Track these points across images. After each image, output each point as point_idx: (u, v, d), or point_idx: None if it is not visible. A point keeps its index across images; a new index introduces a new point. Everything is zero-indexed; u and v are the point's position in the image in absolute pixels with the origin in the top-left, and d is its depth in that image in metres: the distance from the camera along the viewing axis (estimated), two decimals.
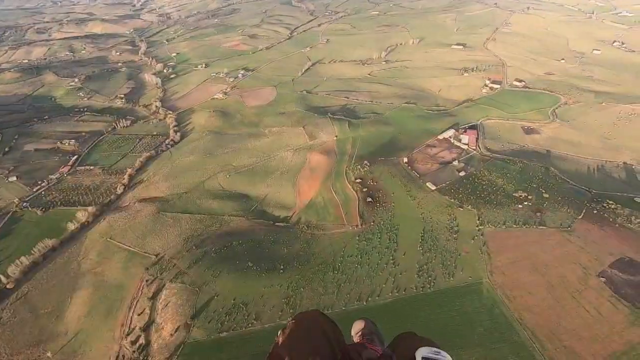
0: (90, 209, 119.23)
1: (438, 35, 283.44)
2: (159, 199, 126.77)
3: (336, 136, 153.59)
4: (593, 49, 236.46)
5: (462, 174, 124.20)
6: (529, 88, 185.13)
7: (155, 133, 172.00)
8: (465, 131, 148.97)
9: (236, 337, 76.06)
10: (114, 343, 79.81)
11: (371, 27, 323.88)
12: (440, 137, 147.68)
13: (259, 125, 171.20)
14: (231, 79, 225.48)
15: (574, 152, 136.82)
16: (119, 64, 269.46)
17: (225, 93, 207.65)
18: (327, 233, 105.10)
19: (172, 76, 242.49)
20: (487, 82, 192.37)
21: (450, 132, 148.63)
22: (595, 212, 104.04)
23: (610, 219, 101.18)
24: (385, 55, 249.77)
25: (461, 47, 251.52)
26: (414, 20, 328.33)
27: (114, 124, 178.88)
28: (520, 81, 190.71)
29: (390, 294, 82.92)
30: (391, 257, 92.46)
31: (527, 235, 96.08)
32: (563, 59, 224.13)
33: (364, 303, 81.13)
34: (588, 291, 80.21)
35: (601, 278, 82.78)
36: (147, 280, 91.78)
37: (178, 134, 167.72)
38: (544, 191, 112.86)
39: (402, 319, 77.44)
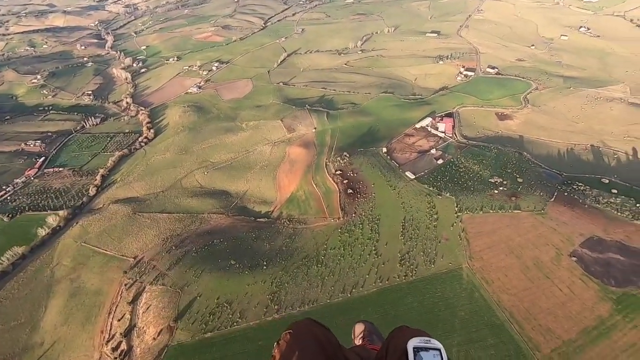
0: (61, 212, 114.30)
1: (413, 24, 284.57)
2: (135, 199, 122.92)
3: (315, 128, 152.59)
4: (561, 35, 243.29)
5: (440, 162, 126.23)
6: (502, 75, 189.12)
7: (127, 131, 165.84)
8: (441, 119, 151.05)
9: (221, 336, 75.29)
10: (94, 351, 77.50)
11: (346, 15, 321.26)
12: (418, 125, 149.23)
13: (236, 119, 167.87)
14: (205, 72, 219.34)
15: (545, 136, 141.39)
16: (85, 59, 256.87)
17: (199, 87, 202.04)
18: (309, 227, 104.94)
19: (142, 70, 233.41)
20: (462, 69, 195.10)
21: (428, 121, 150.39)
22: (566, 194, 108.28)
23: (580, 200, 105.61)
24: (361, 45, 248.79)
25: (435, 35, 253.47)
26: (388, 9, 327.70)
27: (82, 122, 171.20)
28: (493, 68, 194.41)
29: (373, 285, 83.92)
30: (374, 248, 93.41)
31: (503, 220, 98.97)
32: (533, 45, 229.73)
33: (348, 295, 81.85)
34: (561, 271, 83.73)
35: (572, 258, 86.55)
36: (126, 284, 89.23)
37: (152, 130, 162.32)
38: (518, 176, 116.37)
39: (387, 308, 78.69)
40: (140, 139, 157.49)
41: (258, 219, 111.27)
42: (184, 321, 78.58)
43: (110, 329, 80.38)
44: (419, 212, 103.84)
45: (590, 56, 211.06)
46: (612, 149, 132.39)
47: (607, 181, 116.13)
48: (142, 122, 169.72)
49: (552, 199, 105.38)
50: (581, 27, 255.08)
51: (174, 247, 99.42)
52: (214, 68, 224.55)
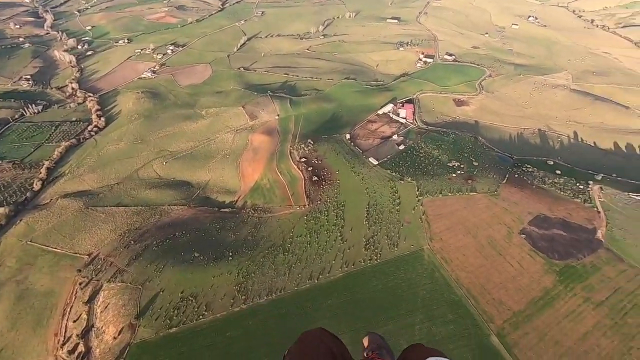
0: (1, 209, 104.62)
1: (373, 9, 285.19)
2: (87, 192, 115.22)
3: (278, 115, 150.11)
4: (512, 24, 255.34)
5: (401, 147, 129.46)
6: (459, 62, 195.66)
7: (74, 119, 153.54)
8: (402, 105, 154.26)
9: (187, 330, 73.66)
10: (48, 355, 72.95)
11: None
12: (380, 112, 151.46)
13: (195, 106, 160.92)
14: (160, 56, 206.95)
15: (498, 121, 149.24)
16: (21, 39, 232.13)
17: (154, 71, 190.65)
18: (275, 215, 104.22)
19: (88, 53, 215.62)
20: (421, 56, 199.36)
21: (389, 107, 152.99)
22: (516, 176, 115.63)
23: (529, 182, 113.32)
24: (323, 29, 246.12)
25: (396, 21, 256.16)
26: None
27: (21, 110, 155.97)
28: (450, 55, 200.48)
29: (340, 270, 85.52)
30: (339, 234, 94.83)
31: (460, 202, 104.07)
32: (487, 33, 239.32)
33: (316, 281, 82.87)
34: (512, 248, 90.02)
35: (522, 235, 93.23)
36: (80, 283, 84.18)
37: (102, 119, 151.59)
38: (473, 159, 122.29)
39: (353, 292, 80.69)
40: (89, 128, 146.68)
41: (222, 209, 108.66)
42: (147, 318, 75.87)
43: (65, 331, 75.88)
44: (383, 197, 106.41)
45: (538, 45, 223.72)
46: (556, 133, 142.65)
47: (552, 163, 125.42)
48: (91, 109, 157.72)
49: (504, 181, 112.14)
50: (530, 16, 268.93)
51: (132, 242, 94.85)
52: (169, 51, 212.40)
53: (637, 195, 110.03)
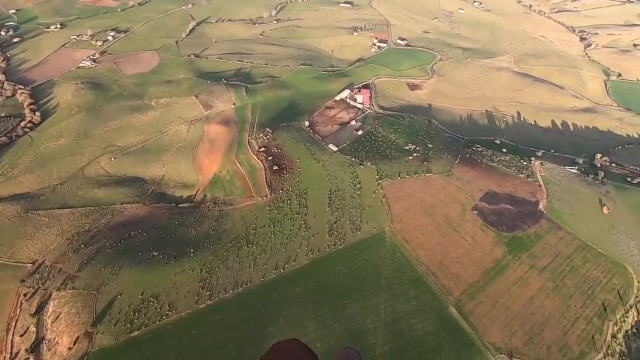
0: None
1: None
2: (25, 195, 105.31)
3: (234, 104, 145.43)
4: (459, 8, 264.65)
5: (360, 132, 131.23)
6: (411, 46, 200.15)
7: (3, 114, 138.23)
8: (359, 91, 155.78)
9: (150, 333, 70.85)
10: None
11: None
12: (338, 98, 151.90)
13: (143, 97, 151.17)
14: (99, 43, 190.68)
15: (449, 104, 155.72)
16: None
17: (94, 60, 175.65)
18: (236, 207, 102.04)
19: (15, 40, 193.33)
20: (375, 41, 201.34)
21: (346, 93, 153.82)
22: (467, 155, 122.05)
23: (479, 160, 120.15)
24: (276, 14, 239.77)
25: (349, 5, 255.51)
26: None
27: None
28: (403, 40, 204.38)
29: (305, 257, 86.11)
30: (303, 222, 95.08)
31: (418, 183, 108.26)
32: (436, 18, 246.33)
33: (282, 271, 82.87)
34: (466, 224, 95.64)
35: (474, 211, 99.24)
36: (25, 295, 77.57)
37: (37, 113, 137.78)
38: (428, 142, 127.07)
39: (319, 278, 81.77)
40: (23, 124, 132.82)
41: (180, 205, 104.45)
42: (105, 324, 71.88)
43: (12, 347, 69.97)
44: (344, 182, 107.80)
45: (482, 29, 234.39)
46: (501, 113, 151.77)
47: (499, 142, 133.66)
48: (22, 103, 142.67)
49: (457, 161, 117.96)
50: (475, 1, 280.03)
51: (82, 246, 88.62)
52: (110, 38, 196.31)
53: (571, 168, 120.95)
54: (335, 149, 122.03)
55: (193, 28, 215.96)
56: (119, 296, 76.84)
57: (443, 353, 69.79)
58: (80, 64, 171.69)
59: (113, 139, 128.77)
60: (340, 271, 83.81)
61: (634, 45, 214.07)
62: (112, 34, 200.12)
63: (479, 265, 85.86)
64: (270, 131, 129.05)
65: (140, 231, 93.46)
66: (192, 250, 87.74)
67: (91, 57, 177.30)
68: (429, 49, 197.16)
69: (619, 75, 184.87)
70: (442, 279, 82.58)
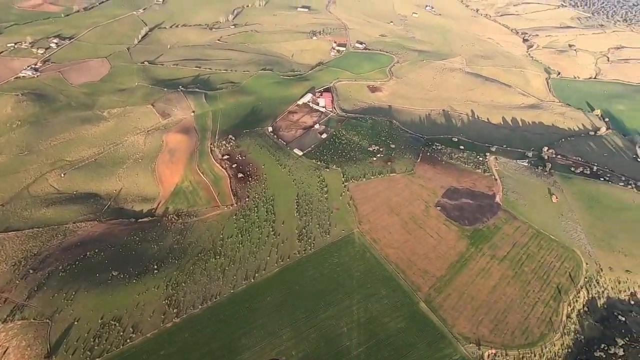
0: None
1: None
2: None
3: (193, 111, 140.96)
4: (413, 13, 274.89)
5: (324, 136, 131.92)
6: (369, 49, 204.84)
7: None
8: (321, 94, 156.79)
9: (114, 358, 66.43)
10: None
11: None
12: (300, 102, 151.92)
13: (94, 107, 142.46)
14: (41, 51, 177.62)
15: (408, 104, 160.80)
16: None
17: (35, 69, 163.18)
18: (201, 218, 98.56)
19: None
20: (334, 45, 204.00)
21: (309, 97, 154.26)
22: (428, 154, 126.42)
23: (439, 158, 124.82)
24: (233, 19, 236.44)
25: (306, 10, 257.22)
26: None
27: None
28: (361, 43, 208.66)
29: (276, 265, 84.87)
30: (271, 229, 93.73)
31: (383, 183, 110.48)
32: (391, 22, 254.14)
33: (252, 280, 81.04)
34: (430, 220, 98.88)
35: (437, 207, 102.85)
36: None
37: None
38: (390, 142, 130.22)
39: (291, 285, 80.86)
40: None
41: (140, 220, 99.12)
42: (61, 354, 66.40)
43: None
44: (311, 186, 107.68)
45: (435, 32, 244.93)
46: (457, 112, 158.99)
47: (456, 139, 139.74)
48: None
49: (418, 160, 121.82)
50: (427, 5, 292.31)
51: (31, 271, 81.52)
52: (53, 45, 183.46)
53: (522, 162, 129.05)
54: (300, 153, 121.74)
55: (146, 34, 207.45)
56: (76, 322, 71.38)
57: (416, 348, 71.39)
58: (20, 74, 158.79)
59: (62, 153, 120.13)
60: (312, 276, 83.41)
61: (570, 45, 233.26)
62: (55, 41, 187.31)
63: (444, 260, 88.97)
64: (233, 138, 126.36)
65: (97, 251, 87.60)
66: (155, 266, 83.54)
67: (32, 66, 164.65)
68: (386, 52, 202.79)
69: (559, 73, 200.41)
70: (411, 276, 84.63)
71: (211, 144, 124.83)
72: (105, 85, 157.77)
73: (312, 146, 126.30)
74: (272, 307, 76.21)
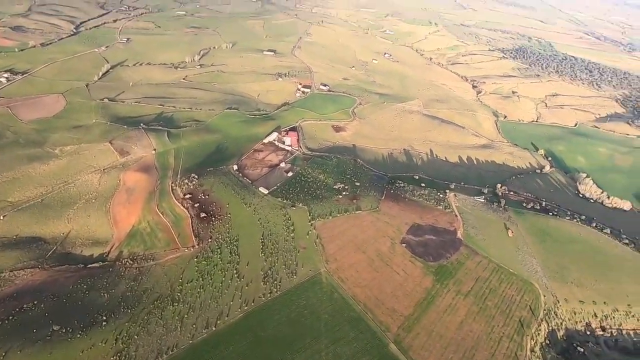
0: None
1: (250, 41, 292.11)
2: None
3: (155, 149, 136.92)
4: (372, 59, 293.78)
5: (290, 174, 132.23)
6: (333, 91, 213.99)
7: None
8: (287, 133, 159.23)
9: None
10: None
11: (179, 28, 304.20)
12: (266, 140, 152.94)
13: (44, 144, 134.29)
14: None
15: (372, 144, 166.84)
16: None
17: None
18: (159, 262, 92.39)
19: None
20: (299, 86, 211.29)
21: (274, 136, 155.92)
22: (392, 192, 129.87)
23: (402, 196, 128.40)
24: (199, 59, 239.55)
25: (272, 53, 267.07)
26: (224, 25, 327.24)
27: None
28: (325, 85, 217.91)
29: (239, 310, 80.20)
30: (235, 271, 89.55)
31: (349, 221, 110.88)
32: (353, 67, 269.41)
33: (213, 329, 75.62)
34: (396, 257, 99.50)
35: (403, 244, 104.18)
36: None
37: None
38: (355, 180, 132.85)
39: (256, 331, 76.29)
40: None
41: (89, 265, 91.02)
42: None
43: None
44: (277, 225, 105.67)
45: (394, 77, 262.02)
46: (417, 151, 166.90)
47: (417, 177, 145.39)
48: None
49: (383, 197, 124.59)
50: (385, 53, 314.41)
51: None
52: (2, 80, 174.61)
53: (479, 198, 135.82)
54: (265, 192, 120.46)
55: (107, 71, 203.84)
56: None
57: None
58: None
59: (3, 193, 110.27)
60: (279, 320, 79.46)
61: (513, 92, 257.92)
62: (6, 75, 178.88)
63: (412, 297, 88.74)
64: (197, 177, 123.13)
65: (35, 302, 78.53)
66: (104, 318, 75.94)
67: None
68: (349, 94, 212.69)
69: (505, 116, 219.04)
70: (379, 316, 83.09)
71: (172, 183, 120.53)
72: (59, 122, 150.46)
73: (278, 184, 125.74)
74: (235, 358, 70.87)
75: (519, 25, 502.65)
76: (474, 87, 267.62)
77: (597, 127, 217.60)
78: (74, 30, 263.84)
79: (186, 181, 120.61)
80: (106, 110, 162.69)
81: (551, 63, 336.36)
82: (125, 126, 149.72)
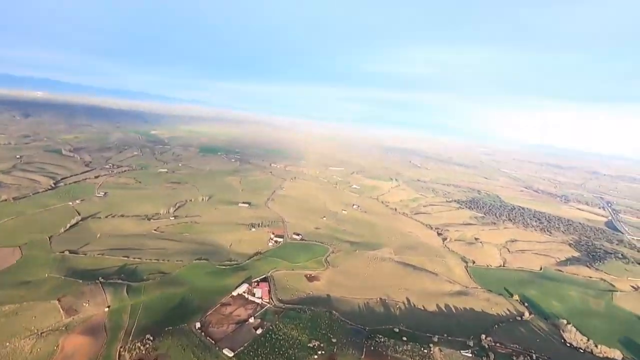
0: None
1: (226, 194, 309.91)
2: None
3: (108, 306, 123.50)
4: (342, 210, 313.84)
5: (259, 331, 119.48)
6: (305, 240, 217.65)
7: None
8: (258, 284, 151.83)
9: None
10: None
11: (159, 183, 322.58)
12: (235, 293, 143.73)
13: None
14: None
15: (346, 293, 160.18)
16: None
17: None
18: None
19: None
20: (272, 236, 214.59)
21: (244, 287, 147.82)
22: (372, 348, 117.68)
23: (384, 353, 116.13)
24: (174, 211, 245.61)
25: (247, 205, 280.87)
26: (203, 180, 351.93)
27: None
28: (298, 234, 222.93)
29: None
30: None
31: None
32: (324, 217, 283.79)
33: None
34: None
35: None
36: None
37: None
38: (332, 336, 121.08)
39: None
40: None
41: None
42: None
43: None
44: None
45: (363, 226, 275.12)
46: (394, 300, 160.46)
47: (397, 330, 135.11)
48: None
49: (363, 356, 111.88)
50: (354, 204, 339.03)
51: None
52: None
53: (466, 352, 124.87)
54: (231, 354, 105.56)
55: (76, 223, 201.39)
56: None
57: None
58: None
59: None
60: None
61: (475, 238, 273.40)
62: None
63: None
64: (152, 338, 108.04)
65: None
66: None
67: None
68: (321, 243, 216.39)
69: (473, 262, 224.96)
70: None
71: (121, 347, 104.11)
72: (6, 277, 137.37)
73: (246, 344, 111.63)
74: None
75: (468, 180, 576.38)
76: (438, 234, 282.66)
77: (560, 270, 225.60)
78: (52, 185, 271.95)
79: (138, 344, 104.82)
80: (64, 263, 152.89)
81: (503, 212, 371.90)
82: (81, 280, 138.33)
